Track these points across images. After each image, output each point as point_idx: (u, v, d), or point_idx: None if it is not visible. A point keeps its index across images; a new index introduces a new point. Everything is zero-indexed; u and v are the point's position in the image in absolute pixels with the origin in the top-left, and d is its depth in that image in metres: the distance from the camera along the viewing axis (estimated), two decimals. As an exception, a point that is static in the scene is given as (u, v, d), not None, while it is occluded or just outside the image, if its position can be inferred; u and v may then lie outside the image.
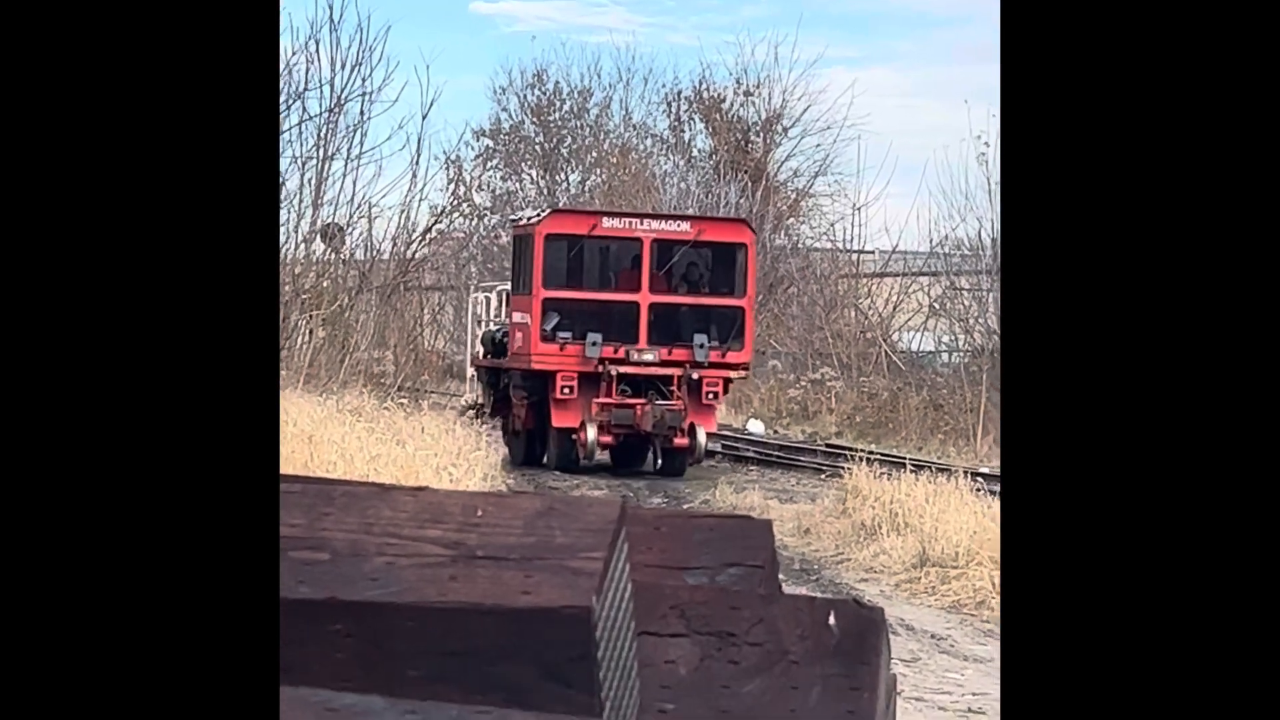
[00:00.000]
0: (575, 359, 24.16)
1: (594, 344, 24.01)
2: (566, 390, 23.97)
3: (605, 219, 26.23)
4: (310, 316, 29.12)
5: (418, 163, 40.97)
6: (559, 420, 24.35)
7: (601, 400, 24.09)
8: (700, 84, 46.72)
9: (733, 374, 25.46)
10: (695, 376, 24.05)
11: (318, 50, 31.32)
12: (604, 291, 25.66)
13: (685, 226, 26.29)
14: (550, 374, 24.18)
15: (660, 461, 25.07)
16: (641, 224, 25.84)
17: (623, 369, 24.10)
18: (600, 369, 24.06)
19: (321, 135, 31.41)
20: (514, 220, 29.90)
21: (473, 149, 46.24)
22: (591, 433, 23.89)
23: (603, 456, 25.40)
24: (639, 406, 24.06)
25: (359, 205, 33.26)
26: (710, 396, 24.53)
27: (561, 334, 24.35)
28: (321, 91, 31.21)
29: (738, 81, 45.88)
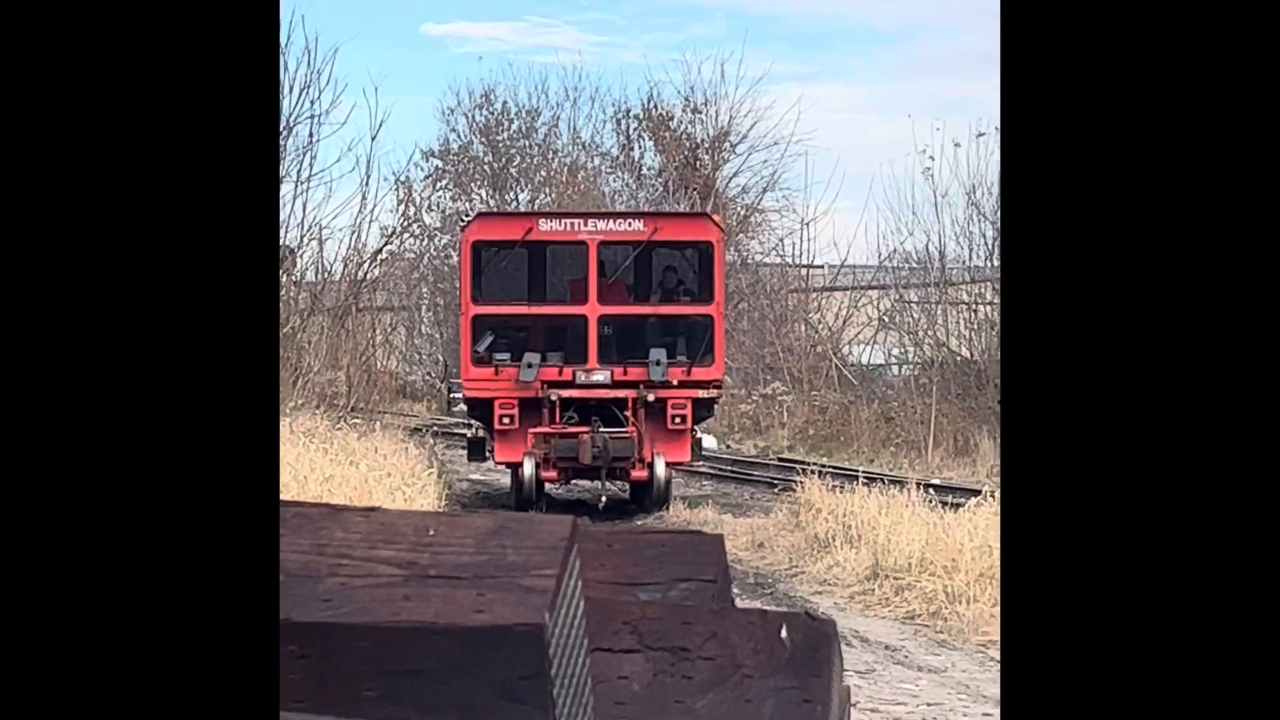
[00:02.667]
0: (512, 383, 21.36)
1: (529, 365, 21.24)
2: (506, 420, 21.31)
3: (542, 221, 23.27)
4: (263, 338, 29.05)
5: (367, 184, 41.18)
6: (502, 454, 21.67)
7: (541, 430, 21.17)
8: (649, 102, 46.81)
9: (703, 393, 21.94)
10: (652, 399, 21.36)
11: (263, 75, 31.24)
12: (547, 304, 22.81)
13: (638, 225, 22.91)
14: (488, 402, 21.57)
15: (604, 501, 21.76)
16: (585, 225, 22.66)
17: (565, 393, 21.31)
18: (541, 394, 21.24)
19: (269, 161, 31.33)
20: None
21: (422, 169, 46.13)
22: (528, 467, 20.97)
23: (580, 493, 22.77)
24: (581, 434, 20.91)
25: (309, 227, 33.18)
26: (676, 421, 21.52)
27: (498, 356, 21.61)
28: (270, 114, 31.09)
29: (686, 99, 45.99)
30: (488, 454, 22.62)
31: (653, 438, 21.34)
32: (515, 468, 21.52)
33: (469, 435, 24.14)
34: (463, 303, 22.51)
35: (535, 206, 44.27)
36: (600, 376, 21.45)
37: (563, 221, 23.19)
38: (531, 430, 21.16)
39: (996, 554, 16.23)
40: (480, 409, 22.12)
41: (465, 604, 1.95)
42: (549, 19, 77.83)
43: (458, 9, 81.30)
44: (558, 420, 21.23)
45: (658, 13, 73.79)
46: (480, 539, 2.03)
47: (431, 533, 2.06)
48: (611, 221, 23.38)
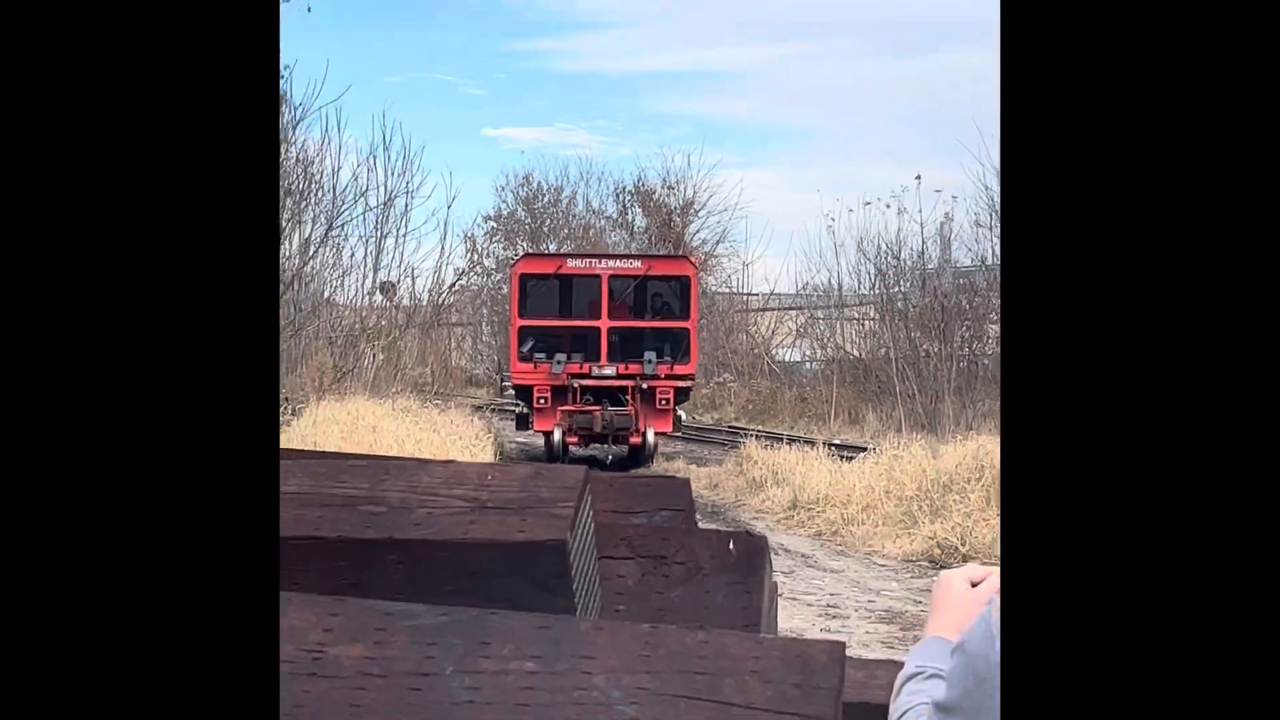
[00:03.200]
0: (546, 375, 20.89)
1: (558, 362, 20.78)
2: (542, 400, 20.74)
3: (569, 260, 22.51)
4: (373, 345, 28.95)
5: (445, 238, 41.63)
6: (539, 424, 21.18)
7: (566, 408, 20.69)
8: (637, 182, 46.73)
9: (681, 384, 21.38)
10: (645, 387, 20.74)
11: (375, 162, 31.36)
12: (571, 319, 21.85)
13: (637, 264, 22.51)
14: (529, 388, 21.09)
15: (610, 458, 20.78)
16: (600, 263, 22.08)
17: (584, 382, 20.84)
18: (567, 383, 20.80)
19: (378, 221, 31.31)
20: None
21: (482, 228, 45.99)
22: (557, 434, 20.64)
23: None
24: (595, 411, 20.51)
25: (405, 268, 33.14)
26: (662, 403, 20.91)
27: (537, 355, 21.14)
28: (378, 191, 31.06)
29: (663, 180, 45.90)
30: (529, 425, 22.04)
31: (645, 414, 20.91)
32: (548, 434, 21.04)
33: (517, 411, 23.50)
34: (512, 317, 21.98)
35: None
36: (609, 371, 20.95)
37: (584, 260, 22.54)
38: (560, 408, 20.74)
39: (879, 490, 16.24)
40: (524, 393, 21.60)
41: (512, 526, 1.94)
42: (570, 125, 77.74)
43: (507, 118, 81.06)
44: (578, 401, 20.77)
45: (643, 120, 73.75)
46: (523, 481, 2.03)
47: (490, 478, 2.05)
48: (618, 261, 22.92)
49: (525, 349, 21.29)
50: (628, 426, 20.70)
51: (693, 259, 25.93)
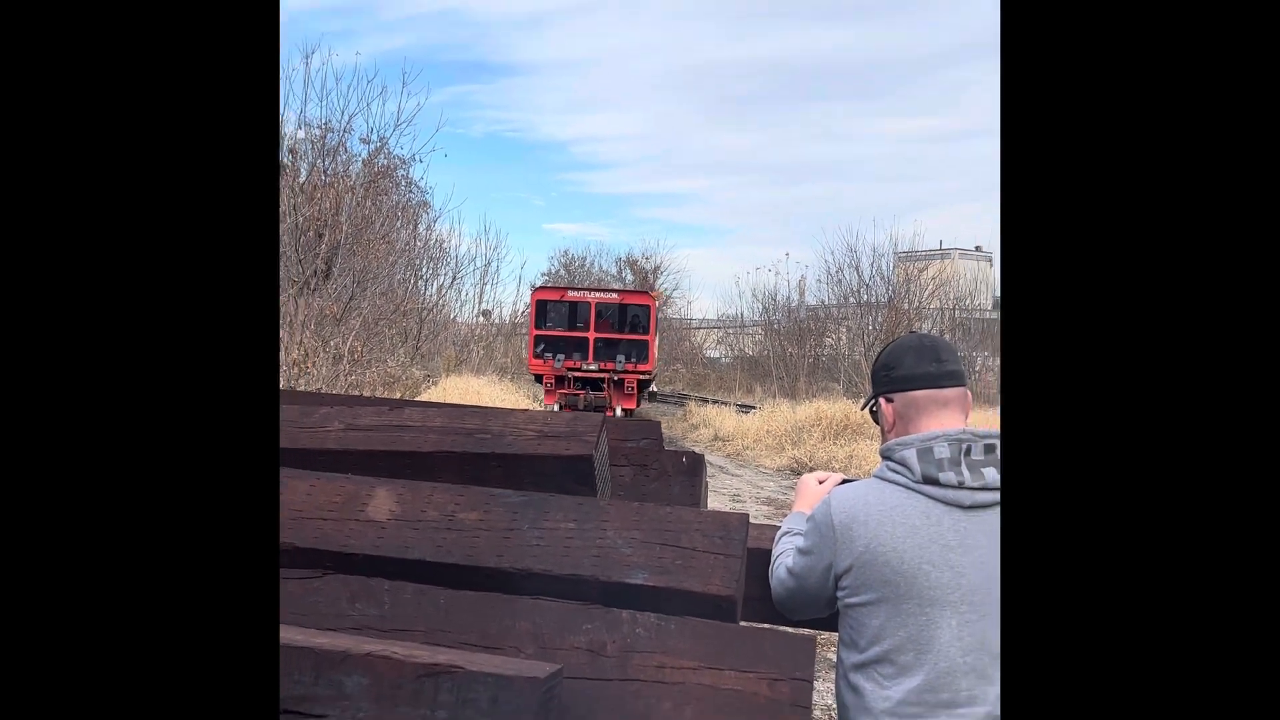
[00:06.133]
0: (551, 367, 19.00)
1: (559, 360, 19.01)
2: (549, 385, 18.95)
3: (570, 291, 20.52)
4: (478, 346, 28.83)
5: (519, 288, 41.25)
6: (546, 400, 19.07)
7: (562, 391, 18.88)
8: (628, 254, 46.62)
9: (641, 377, 19.37)
10: (617, 378, 18.90)
11: (481, 242, 31.42)
12: (571, 331, 19.76)
13: (615, 295, 20.49)
14: (540, 376, 19.29)
15: None
16: (590, 294, 20.19)
17: (576, 374, 18.97)
18: (565, 373, 18.97)
19: (481, 275, 31.27)
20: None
21: (540, 280, 45.81)
22: (555, 408, 18.43)
23: None
24: (580, 394, 18.67)
25: (496, 303, 33.14)
26: (629, 390, 18.96)
27: (546, 354, 19.30)
28: (482, 258, 31.01)
29: (643, 254, 45.74)
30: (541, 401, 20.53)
31: (617, 397, 19.07)
32: (549, 408, 19.19)
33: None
34: (530, 328, 20.17)
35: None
36: (593, 367, 19.14)
37: (580, 292, 20.63)
38: (559, 390, 18.97)
39: (763, 430, 16.19)
40: (536, 379, 19.98)
41: (562, 446, 1.93)
42: (592, 223, 77.53)
43: (557, 218, 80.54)
44: (571, 386, 19.07)
45: (633, 221, 73.67)
46: (568, 421, 2.02)
47: (549, 419, 2.04)
48: (603, 293, 20.82)
49: (539, 350, 19.52)
50: (602, 405, 18.85)
51: (652, 293, 23.52)
